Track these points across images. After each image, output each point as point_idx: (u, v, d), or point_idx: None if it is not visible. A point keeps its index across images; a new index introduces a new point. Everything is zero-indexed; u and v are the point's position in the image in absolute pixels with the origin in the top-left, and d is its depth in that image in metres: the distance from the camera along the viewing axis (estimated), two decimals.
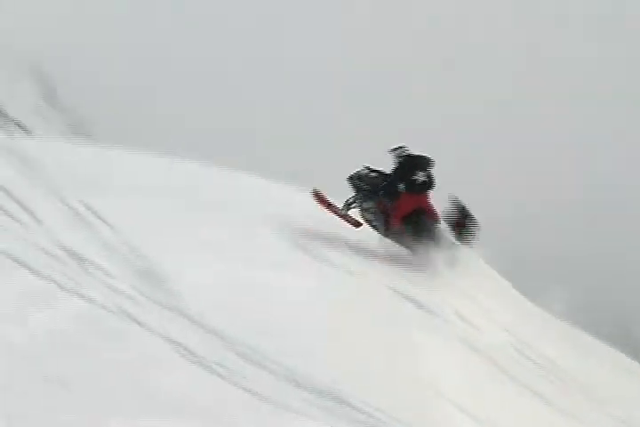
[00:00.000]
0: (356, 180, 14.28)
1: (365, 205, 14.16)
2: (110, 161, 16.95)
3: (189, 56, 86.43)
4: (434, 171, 13.93)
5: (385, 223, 13.98)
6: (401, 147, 14.03)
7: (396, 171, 13.95)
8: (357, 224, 14.31)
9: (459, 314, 12.05)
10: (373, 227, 14.20)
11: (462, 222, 13.69)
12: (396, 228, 13.85)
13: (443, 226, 13.80)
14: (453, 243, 13.70)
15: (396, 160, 13.97)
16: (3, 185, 12.81)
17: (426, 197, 13.94)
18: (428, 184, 13.86)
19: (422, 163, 13.88)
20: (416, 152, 14.02)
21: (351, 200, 14.23)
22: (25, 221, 11.06)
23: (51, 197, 12.34)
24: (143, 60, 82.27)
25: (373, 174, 14.18)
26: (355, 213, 14.45)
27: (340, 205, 14.41)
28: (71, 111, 78.13)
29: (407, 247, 13.84)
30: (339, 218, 14.24)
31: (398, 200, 13.83)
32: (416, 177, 13.76)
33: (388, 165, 14.19)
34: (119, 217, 11.68)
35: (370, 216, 14.16)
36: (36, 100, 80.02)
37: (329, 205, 14.34)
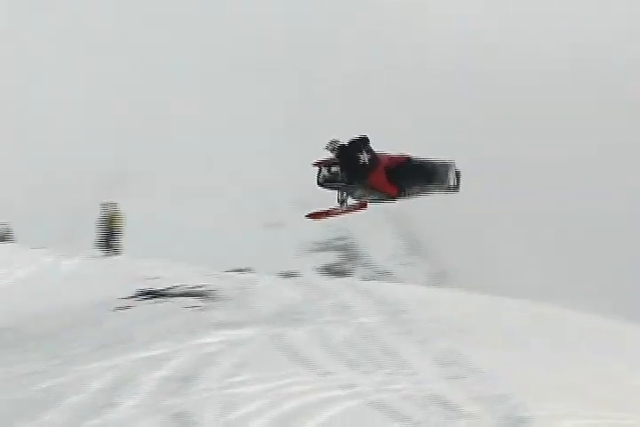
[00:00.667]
0: (327, 183, 14.26)
1: (356, 195, 14.31)
2: (475, 307, 16.83)
3: None
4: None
5: (385, 196, 14.26)
6: (331, 142, 14.18)
7: (341, 164, 14.11)
8: (363, 206, 14.46)
9: None
10: (379, 202, 14.41)
11: None
12: (394, 193, 14.20)
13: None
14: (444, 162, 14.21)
15: (334, 154, 14.13)
16: (369, 331, 12.98)
17: (384, 160, 14.13)
18: (374, 159, 14.04)
19: (357, 145, 14.06)
20: (345, 140, 14.14)
21: (342, 197, 14.36)
22: (394, 368, 11.04)
23: (419, 343, 12.31)
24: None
25: (334, 169, 14.24)
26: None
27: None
28: (432, 258, 79.79)
29: (426, 193, 14.25)
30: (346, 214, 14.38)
31: (371, 178, 14.07)
32: (361, 161, 13.97)
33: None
34: (486, 363, 11.40)
35: (367, 199, 14.37)
36: (396, 245, 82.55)
37: (328, 214, 14.41)
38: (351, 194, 14.45)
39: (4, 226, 34.06)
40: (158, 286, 17.91)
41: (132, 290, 17.75)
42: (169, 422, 8.69)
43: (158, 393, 9.51)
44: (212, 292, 16.71)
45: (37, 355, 11.94)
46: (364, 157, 14.14)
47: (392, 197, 14.43)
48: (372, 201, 14.56)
